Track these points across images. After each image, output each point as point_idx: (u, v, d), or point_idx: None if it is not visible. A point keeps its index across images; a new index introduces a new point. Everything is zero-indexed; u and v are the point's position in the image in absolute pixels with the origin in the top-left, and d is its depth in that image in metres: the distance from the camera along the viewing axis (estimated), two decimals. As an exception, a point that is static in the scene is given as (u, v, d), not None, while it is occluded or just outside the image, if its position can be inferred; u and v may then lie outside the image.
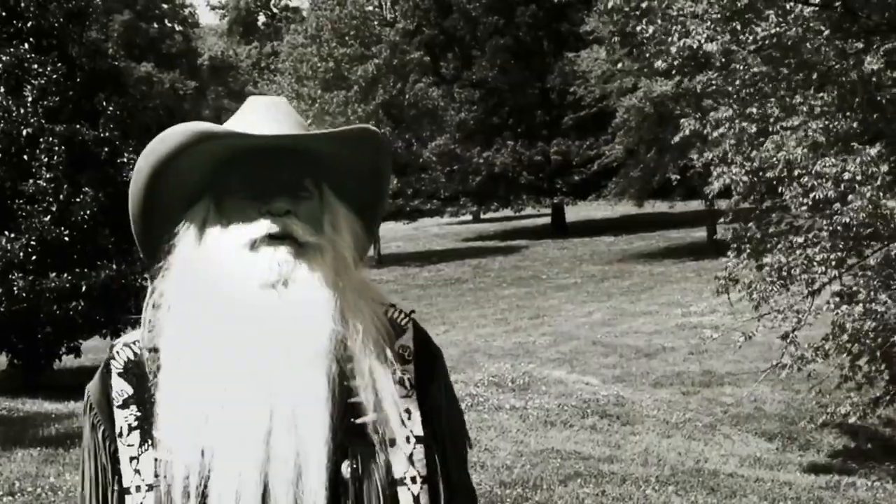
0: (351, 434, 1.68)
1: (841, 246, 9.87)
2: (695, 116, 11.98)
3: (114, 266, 15.03)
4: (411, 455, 1.75)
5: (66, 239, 14.68)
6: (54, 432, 10.36)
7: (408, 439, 1.74)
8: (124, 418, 1.73)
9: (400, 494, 1.72)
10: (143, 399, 1.72)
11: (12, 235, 14.42)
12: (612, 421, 11.90)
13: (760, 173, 10.29)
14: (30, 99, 14.95)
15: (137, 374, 1.74)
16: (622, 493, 8.21)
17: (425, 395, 1.81)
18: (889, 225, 9.29)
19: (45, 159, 14.77)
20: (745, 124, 10.68)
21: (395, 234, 44.70)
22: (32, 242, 14.44)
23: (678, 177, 31.96)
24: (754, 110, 10.73)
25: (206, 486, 1.61)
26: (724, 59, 10.98)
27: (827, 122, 9.81)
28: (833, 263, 9.93)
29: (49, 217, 14.56)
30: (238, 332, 1.64)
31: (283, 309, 1.65)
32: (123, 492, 1.72)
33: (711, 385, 16.38)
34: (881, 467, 12.01)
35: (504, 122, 45.21)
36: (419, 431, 1.77)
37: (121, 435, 1.72)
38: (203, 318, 1.66)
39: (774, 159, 9.90)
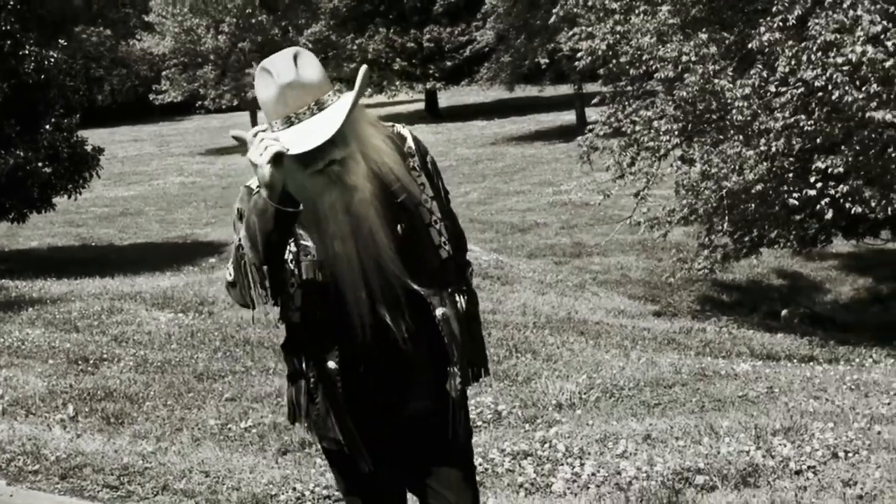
0: (399, 211, 2.77)
1: (682, 117, 11.38)
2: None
3: (20, 154, 15.41)
4: (431, 208, 2.84)
5: (-26, 129, 14.98)
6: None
7: (426, 200, 2.84)
8: None
9: (431, 232, 2.83)
10: None
11: (-77, 127, 14.73)
12: (493, 281, 13.11)
13: (618, 46, 11.68)
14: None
15: None
16: (504, 335, 9.40)
17: (427, 171, 2.89)
18: (720, 100, 10.81)
19: (-50, 52, 15.03)
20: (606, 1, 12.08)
21: (271, 122, 44.67)
22: (-58, 133, 14.74)
23: (547, 61, 33.11)
24: None
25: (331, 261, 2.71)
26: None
27: (679, 12, 11.18)
28: (675, 133, 11.47)
29: (-43, 109, 14.86)
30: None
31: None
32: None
33: (581, 255, 17.73)
34: (730, 317, 13.54)
35: (376, 9, 45.51)
36: (431, 193, 2.86)
37: None
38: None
39: (627, 46, 11.34)
